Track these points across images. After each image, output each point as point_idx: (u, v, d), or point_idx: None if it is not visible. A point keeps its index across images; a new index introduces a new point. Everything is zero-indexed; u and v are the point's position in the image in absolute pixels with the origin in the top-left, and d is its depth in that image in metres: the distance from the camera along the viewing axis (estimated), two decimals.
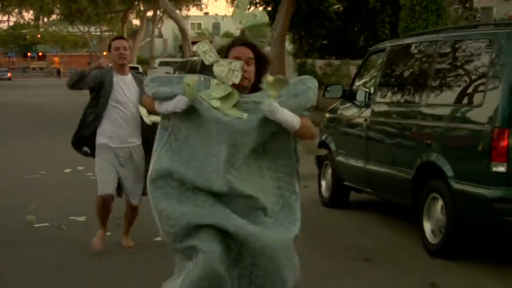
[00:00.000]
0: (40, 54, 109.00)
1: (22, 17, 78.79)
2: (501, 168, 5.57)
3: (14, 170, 11.35)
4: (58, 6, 57.89)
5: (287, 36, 27.34)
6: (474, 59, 6.16)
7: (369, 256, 6.28)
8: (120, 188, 6.20)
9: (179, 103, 3.77)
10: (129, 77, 6.18)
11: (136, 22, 72.52)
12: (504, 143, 5.55)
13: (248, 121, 3.72)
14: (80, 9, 55.76)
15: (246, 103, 3.79)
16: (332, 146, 8.41)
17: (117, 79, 6.09)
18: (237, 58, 3.83)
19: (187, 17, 75.01)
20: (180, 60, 32.72)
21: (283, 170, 3.94)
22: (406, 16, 17.60)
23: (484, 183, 5.67)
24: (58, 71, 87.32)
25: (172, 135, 3.89)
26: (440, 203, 6.21)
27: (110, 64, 6.21)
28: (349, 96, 8.18)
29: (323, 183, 8.69)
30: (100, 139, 6.10)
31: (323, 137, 8.69)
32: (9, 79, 78.33)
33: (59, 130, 16.78)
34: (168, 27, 69.28)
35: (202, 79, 3.95)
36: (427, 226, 6.41)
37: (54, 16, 66.50)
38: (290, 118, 3.71)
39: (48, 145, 14.76)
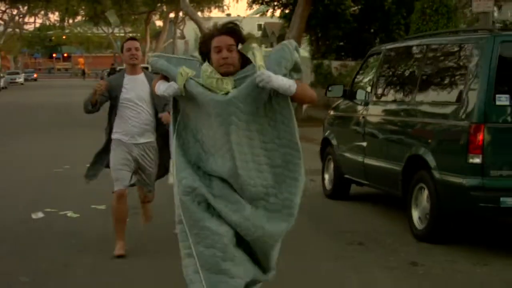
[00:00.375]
0: (65, 55, 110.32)
1: (48, 19, 79.71)
2: (477, 160, 6.18)
3: (41, 164, 12.12)
4: (83, 7, 58.13)
5: (304, 38, 28.01)
6: (456, 62, 6.79)
7: (362, 240, 6.92)
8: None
9: (169, 88, 4.01)
10: (141, 76, 6.31)
11: (159, 23, 73.37)
12: (479, 137, 6.17)
13: (238, 90, 3.87)
14: (104, 10, 56.50)
15: (239, 79, 3.93)
16: (334, 142, 9.06)
17: (128, 79, 6.27)
18: (218, 47, 3.96)
19: (209, 18, 75.80)
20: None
21: (289, 145, 4.01)
22: (417, 18, 18.14)
23: (462, 173, 6.29)
24: (83, 72, 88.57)
25: (182, 123, 4.13)
26: (426, 192, 6.84)
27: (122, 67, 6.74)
28: (349, 95, 8.82)
29: (326, 176, 9.33)
30: (114, 135, 6.29)
31: (326, 134, 9.35)
32: (35, 79, 79.65)
33: (81, 129, 17.62)
34: (190, 29, 69.95)
35: (195, 72, 4.04)
36: (415, 214, 7.04)
37: (79, 18, 67.10)
38: (283, 82, 3.80)
39: (71, 142, 15.54)
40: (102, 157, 6.50)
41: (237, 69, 4.00)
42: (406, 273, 5.87)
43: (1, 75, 56.21)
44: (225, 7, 75.69)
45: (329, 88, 8.90)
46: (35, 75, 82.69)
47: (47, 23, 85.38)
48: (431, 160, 6.70)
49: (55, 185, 10.07)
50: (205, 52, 4.09)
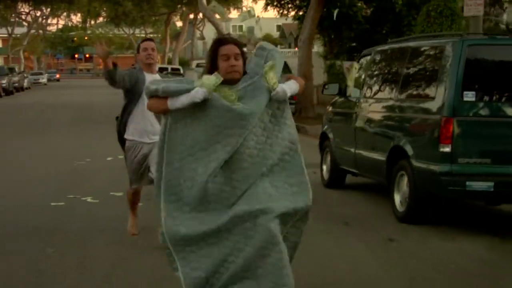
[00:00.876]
0: (87, 55, 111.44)
1: (70, 20, 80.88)
2: (447, 149, 7.02)
3: (64, 157, 13.09)
4: (105, 9, 58.76)
5: (318, 39, 28.82)
6: (431, 63, 7.62)
7: (348, 221, 7.78)
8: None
9: (198, 93, 4.18)
10: (157, 76, 6.51)
11: (180, 24, 74.29)
12: (449, 129, 7.00)
13: (255, 105, 4.23)
14: (125, 12, 57.31)
15: (243, 88, 4.30)
16: (331, 136, 9.92)
17: (147, 76, 6.43)
18: (226, 55, 4.30)
19: (229, 19, 76.60)
20: None
21: (288, 138, 4.39)
22: (422, 21, 18.93)
23: (434, 161, 7.14)
24: None
25: (172, 131, 4.34)
26: (405, 179, 7.68)
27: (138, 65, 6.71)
28: (344, 93, 9.67)
29: (324, 167, 10.19)
30: (129, 136, 6.55)
31: (324, 128, 10.22)
32: (58, 80, 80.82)
33: (102, 126, 18.60)
34: (209, 30, 70.82)
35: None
36: (397, 198, 7.89)
37: (100, 19, 68.20)
38: (293, 88, 4.34)
39: (93, 138, 16.53)
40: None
41: (241, 76, 4.36)
42: (381, 246, 6.74)
43: (25, 75, 57.33)
44: (244, 8, 76.35)
45: (326, 87, 9.78)
46: (57, 76, 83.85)
47: (70, 24, 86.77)
48: (409, 150, 7.55)
49: (77, 175, 11.02)
50: (211, 59, 4.37)
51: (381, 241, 6.93)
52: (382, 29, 27.45)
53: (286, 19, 28.82)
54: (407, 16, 26.26)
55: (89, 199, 8.99)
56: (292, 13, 27.60)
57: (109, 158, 12.61)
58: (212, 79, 4.17)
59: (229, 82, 4.28)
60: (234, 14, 74.46)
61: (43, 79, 68.99)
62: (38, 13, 69.60)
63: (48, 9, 66.44)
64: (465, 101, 7.02)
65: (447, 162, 7.03)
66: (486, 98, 7.12)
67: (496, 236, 7.02)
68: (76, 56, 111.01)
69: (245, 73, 4.37)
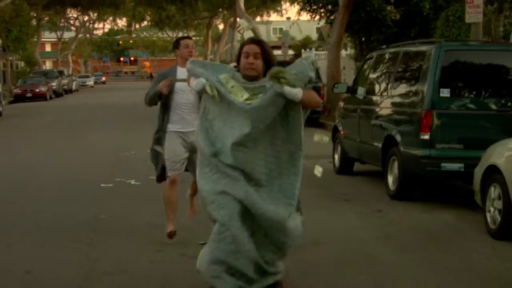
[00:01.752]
0: (131, 58, 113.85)
1: (116, 24, 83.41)
2: (426, 137, 8.46)
3: (112, 150, 14.82)
4: (149, 13, 60.44)
5: (349, 41, 30.13)
6: (416, 65, 9.07)
7: (348, 199, 9.27)
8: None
9: (197, 84, 4.83)
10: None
11: (222, 27, 75.95)
12: (428, 120, 8.44)
13: (259, 102, 4.71)
14: (169, 16, 58.78)
15: (257, 87, 4.80)
16: (341, 128, 11.40)
17: (180, 71, 6.65)
18: (246, 53, 4.81)
19: (269, 22, 78.04)
20: None
21: (294, 142, 4.87)
22: (441, 25, 20.26)
23: (416, 146, 8.58)
24: (151, 75, 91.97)
25: (204, 116, 4.95)
26: (396, 163, 9.13)
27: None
28: (352, 91, 11.15)
29: (336, 156, 11.66)
30: (169, 127, 6.79)
31: (336, 122, 11.71)
32: (104, 82, 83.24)
33: (143, 124, 20.26)
34: (249, 33, 72.26)
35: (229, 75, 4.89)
36: (390, 179, 9.33)
37: (145, 23, 70.16)
38: (297, 94, 4.70)
39: (135, 134, 18.23)
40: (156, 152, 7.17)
41: (259, 75, 4.82)
42: (370, 215, 8.24)
43: (73, 78, 59.70)
44: (283, 12, 77.81)
45: (335, 86, 11.28)
46: (103, 78, 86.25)
47: (115, 28, 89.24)
48: (398, 138, 9.01)
49: (122, 164, 12.71)
50: (238, 57, 4.93)
51: (371, 212, 8.41)
52: (410, 32, 28.65)
53: (318, 23, 30.25)
54: (434, 20, 27.44)
55: (132, 182, 10.63)
56: (325, 17, 28.96)
57: (149, 151, 14.22)
58: (214, 87, 4.78)
59: (247, 78, 4.81)
60: (273, 17, 75.87)
61: (90, 82, 71.36)
62: (86, 18, 71.86)
63: (95, 14, 68.64)
64: (441, 97, 8.45)
65: (426, 147, 8.48)
66: (460, 94, 8.56)
67: (467, 209, 8.42)
68: (121, 59, 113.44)
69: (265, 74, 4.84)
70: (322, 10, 28.89)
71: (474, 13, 12.87)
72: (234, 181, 4.76)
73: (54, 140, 17.50)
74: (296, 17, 31.12)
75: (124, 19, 70.70)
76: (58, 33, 70.56)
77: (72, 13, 67.39)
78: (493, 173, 7.10)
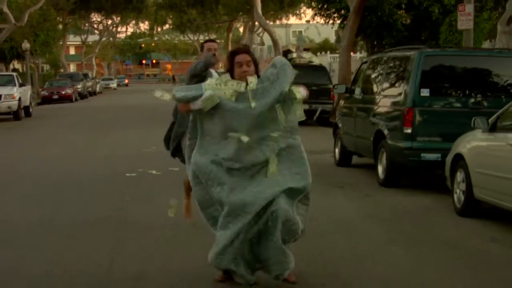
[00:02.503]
0: (153, 61, 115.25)
1: (139, 28, 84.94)
2: (409, 131, 9.71)
3: (135, 146, 16.21)
4: (171, 17, 61.70)
5: (362, 45, 31.29)
6: (401, 68, 10.32)
7: (343, 186, 10.53)
8: None
9: (195, 105, 5.29)
10: (214, 73, 6.77)
11: (242, 30, 77.05)
12: (410, 116, 9.69)
13: (260, 106, 5.23)
14: (190, 19, 60.07)
15: (253, 92, 5.26)
16: (340, 125, 12.67)
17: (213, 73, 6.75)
18: (239, 63, 5.31)
19: (289, 25, 79.13)
20: None
21: (290, 130, 5.40)
22: (445, 30, 21.43)
23: (400, 139, 9.83)
24: (173, 78, 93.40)
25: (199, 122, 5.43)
26: (384, 154, 10.38)
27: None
28: (349, 92, 12.41)
29: (336, 150, 12.92)
30: None
31: (336, 120, 12.98)
32: (126, 85, 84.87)
33: (164, 124, 21.63)
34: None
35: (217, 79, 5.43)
36: (380, 169, 10.58)
37: (166, 26, 71.39)
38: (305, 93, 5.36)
39: (156, 132, 19.52)
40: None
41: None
42: (359, 198, 9.51)
43: (97, 81, 61.37)
44: (302, 15, 78.77)
45: (335, 87, 12.55)
46: (126, 81, 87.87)
47: (137, 31, 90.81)
48: (386, 132, 10.26)
49: (144, 157, 14.07)
50: (229, 66, 5.41)
51: (360, 196, 9.68)
52: (420, 35, 29.79)
53: (332, 27, 31.49)
54: (443, 24, 28.56)
55: (153, 172, 11.98)
56: (338, 21, 30.19)
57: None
58: (209, 100, 5.25)
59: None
60: (292, 20, 76.88)
61: (113, 84, 73.01)
62: (109, 22, 73.50)
63: (118, 18, 70.23)
64: (422, 96, 9.69)
65: (408, 140, 9.73)
66: (438, 94, 9.79)
67: (443, 193, 9.64)
68: (144, 62, 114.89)
69: (258, 76, 5.37)
70: (335, 15, 30.15)
71: (465, 21, 14.08)
72: (236, 183, 5.31)
73: (81, 137, 18.94)
74: (315, 21, 32.26)
75: (147, 22, 71.97)
76: (82, 36, 72.29)
77: (96, 17, 69.09)
78: (459, 160, 8.33)
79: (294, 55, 38.76)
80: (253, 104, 5.20)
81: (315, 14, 30.65)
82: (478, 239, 7.25)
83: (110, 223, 8.12)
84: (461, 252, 6.80)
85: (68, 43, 73.00)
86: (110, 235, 7.53)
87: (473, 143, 8.19)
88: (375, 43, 30.46)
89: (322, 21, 30.40)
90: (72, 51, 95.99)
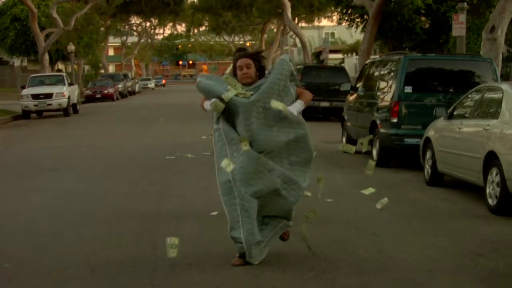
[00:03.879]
0: (190, 62, 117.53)
1: (176, 30, 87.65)
2: (395, 120, 12.00)
3: (172, 136, 18.73)
4: (207, 19, 64.43)
5: (384, 48, 33.35)
6: (391, 69, 12.61)
7: (343, 166, 12.85)
8: None
9: (207, 106, 6.02)
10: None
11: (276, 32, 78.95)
12: (396, 108, 11.98)
13: (255, 95, 5.88)
14: (225, 21, 62.19)
15: (253, 88, 5.94)
16: (346, 118, 14.99)
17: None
18: (240, 66, 5.98)
19: (322, 27, 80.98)
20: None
21: (298, 122, 6.09)
22: (453, 34, 23.42)
23: (388, 127, 12.12)
24: None
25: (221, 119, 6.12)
26: (378, 140, 12.68)
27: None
28: (353, 89, 14.72)
29: (343, 139, 15.24)
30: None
31: (343, 113, 15.30)
32: (164, 85, 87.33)
33: (199, 119, 24.21)
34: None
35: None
36: (374, 152, 12.88)
37: (203, 28, 73.78)
38: (300, 106, 6.00)
39: (192, 126, 22.16)
40: None
41: (254, 80, 6.03)
42: (353, 174, 11.83)
43: (136, 81, 64.14)
44: (333, 17, 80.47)
45: (342, 85, 14.88)
46: (163, 81, 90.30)
47: (175, 33, 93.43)
48: (378, 122, 12.56)
49: (182, 144, 16.54)
50: (233, 68, 6.14)
51: (355, 173, 11.98)
52: (439, 39, 31.84)
53: (355, 31, 33.72)
54: None
55: (189, 155, 14.42)
56: (361, 26, 32.39)
57: (203, 137, 18.09)
58: (216, 106, 5.93)
59: (244, 84, 6.02)
60: (324, 22, 78.70)
61: (151, 84, 75.60)
62: (148, 24, 76.26)
63: (156, 20, 72.84)
64: (406, 92, 11.96)
65: (395, 128, 12.01)
66: (419, 90, 12.05)
67: (421, 170, 11.89)
68: (180, 62, 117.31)
69: (262, 76, 6.14)
70: (358, 20, 32.35)
71: (459, 28, 16.26)
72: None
73: (126, 130, 21.56)
74: (345, 24, 34.39)
75: (184, 24, 74.07)
76: (122, 38, 75.11)
77: (135, 20, 71.85)
78: (428, 142, 10.62)
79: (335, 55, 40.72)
80: (251, 98, 5.93)
81: (340, 19, 32.90)
82: (433, 200, 9.55)
83: (156, 196, 10.57)
84: (418, 208, 9.09)
85: (107, 44, 75.83)
86: (154, 210, 9.98)
87: (437, 128, 10.46)
88: (395, 45, 32.58)
89: (346, 25, 32.63)
90: (111, 52, 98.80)
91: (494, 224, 8.10)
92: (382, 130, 12.39)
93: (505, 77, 23.82)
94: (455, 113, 10.03)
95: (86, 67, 69.47)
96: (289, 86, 6.01)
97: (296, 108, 5.97)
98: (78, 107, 31.61)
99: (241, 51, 6.71)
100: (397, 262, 6.46)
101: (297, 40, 75.67)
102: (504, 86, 9.08)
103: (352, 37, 78.58)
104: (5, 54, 53.80)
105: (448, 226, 8.02)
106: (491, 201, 8.47)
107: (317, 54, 64.77)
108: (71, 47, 44.09)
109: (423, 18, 31.82)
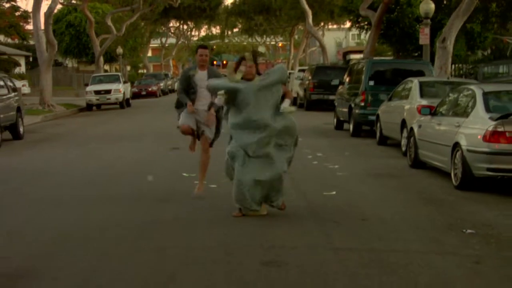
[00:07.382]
0: (224, 62, 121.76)
1: (210, 31, 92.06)
2: (363, 104, 17.63)
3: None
4: (240, 22, 69.01)
5: (389, 51, 38.54)
6: (362, 69, 18.22)
7: (329, 136, 18.46)
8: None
9: (219, 100, 8.43)
10: (205, 72, 9.49)
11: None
12: (364, 95, 17.61)
13: (259, 84, 7.94)
14: (257, 24, 66.49)
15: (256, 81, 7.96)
16: (336, 104, 20.65)
17: (199, 73, 9.49)
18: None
19: (349, 30, 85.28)
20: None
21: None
22: None
23: (359, 109, 17.76)
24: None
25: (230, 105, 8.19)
26: (352, 118, 18.28)
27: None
28: (341, 83, 20.39)
29: (334, 120, 20.87)
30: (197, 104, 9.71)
31: (334, 101, 20.99)
32: None
33: None
34: (329, 38, 79.65)
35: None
36: (350, 127, 18.48)
37: (236, 30, 78.72)
38: (288, 104, 8.22)
39: None
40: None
41: (253, 76, 8.06)
42: (335, 141, 17.43)
43: (175, 80, 69.52)
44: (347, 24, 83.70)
45: (332, 81, 20.54)
46: None
47: (210, 34, 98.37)
48: (353, 105, 18.21)
49: None
50: (236, 65, 8.10)
51: (336, 140, 17.54)
52: (434, 42, 36.98)
53: (363, 37, 39.16)
54: None
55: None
56: (369, 32, 37.76)
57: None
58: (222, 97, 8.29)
59: (247, 79, 8.05)
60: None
61: None
62: (185, 27, 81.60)
63: (193, 23, 77.80)
64: (370, 85, 17.58)
65: (362, 109, 17.63)
66: (379, 83, 17.64)
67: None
68: (215, 62, 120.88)
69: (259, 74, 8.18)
70: (367, 27, 37.76)
71: (424, 38, 21.71)
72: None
73: (172, 118, 27.26)
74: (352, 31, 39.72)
75: (218, 27, 79.15)
76: (162, 40, 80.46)
77: (173, 24, 77.02)
78: (378, 118, 16.23)
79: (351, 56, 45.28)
80: (255, 86, 8.04)
81: (351, 26, 38.31)
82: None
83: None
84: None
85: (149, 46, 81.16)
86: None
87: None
88: (399, 48, 37.93)
89: (357, 31, 38.03)
90: (150, 54, 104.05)
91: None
92: (355, 111, 18.02)
93: (473, 77, 28.84)
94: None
95: (128, 68, 75.25)
96: (280, 86, 8.23)
97: (288, 104, 8.37)
98: (130, 101, 37.52)
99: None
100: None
101: (326, 40, 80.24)
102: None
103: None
104: (60, 56, 59.92)
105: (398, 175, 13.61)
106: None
107: (344, 54, 69.52)
108: (120, 50, 49.91)
109: (420, 25, 37.07)
